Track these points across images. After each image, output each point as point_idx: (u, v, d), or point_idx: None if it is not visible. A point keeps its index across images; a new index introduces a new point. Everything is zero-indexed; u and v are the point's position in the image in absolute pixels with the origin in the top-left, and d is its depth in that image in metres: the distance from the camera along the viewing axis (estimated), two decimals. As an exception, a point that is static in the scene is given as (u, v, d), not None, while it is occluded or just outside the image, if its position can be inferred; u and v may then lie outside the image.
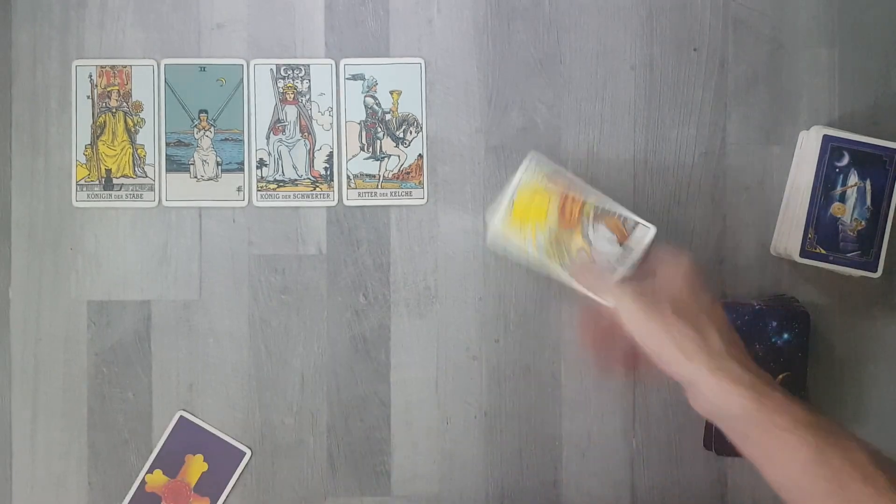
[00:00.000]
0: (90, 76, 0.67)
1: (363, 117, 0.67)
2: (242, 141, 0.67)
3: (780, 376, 0.62)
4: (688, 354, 0.53)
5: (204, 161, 0.67)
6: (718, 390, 0.52)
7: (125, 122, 0.67)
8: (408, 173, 0.67)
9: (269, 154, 0.67)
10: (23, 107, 0.67)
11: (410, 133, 0.67)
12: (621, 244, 0.59)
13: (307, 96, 0.67)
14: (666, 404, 0.66)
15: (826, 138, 0.63)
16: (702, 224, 0.67)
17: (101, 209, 0.67)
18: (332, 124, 0.67)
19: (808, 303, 0.65)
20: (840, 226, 0.63)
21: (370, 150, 0.67)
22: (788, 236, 0.64)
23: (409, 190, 0.67)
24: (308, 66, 0.67)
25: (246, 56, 0.67)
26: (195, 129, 0.67)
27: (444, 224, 0.67)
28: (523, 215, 0.58)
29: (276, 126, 0.67)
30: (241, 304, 0.67)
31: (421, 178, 0.67)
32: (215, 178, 0.67)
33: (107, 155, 0.67)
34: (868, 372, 0.66)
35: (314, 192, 0.67)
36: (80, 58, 0.67)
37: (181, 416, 0.66)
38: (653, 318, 0.54)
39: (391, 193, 0.67)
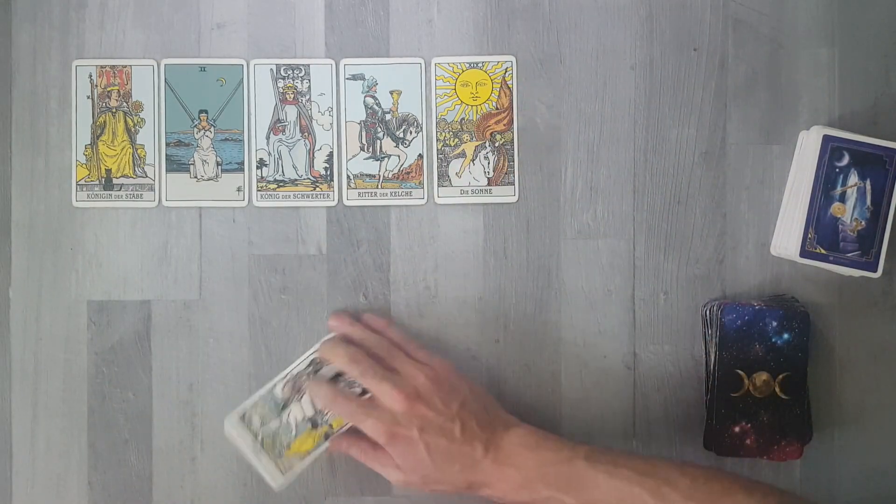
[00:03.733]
0: (90, 76, 0.67)
1: (363, 117, 0.67)
2: (242, 141, 0.67)
3: (780, 376, 0.62)
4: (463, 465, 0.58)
5: (204, 161, 0.67)
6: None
7: (125, 122, 0.67)
8: (408, 173, 0.67)
9: (269, 154, 0.67)
10: (23, 107, 0.67)
11: (410, 133, 0.67)
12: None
13: (307, 96, 0.67)
14: (666, 404, 0.66)
15: (826, 138, 0.63)
16: (702, 224, 0.67)
17: (101, 209, 0.67)
18: (332, 124, 0.67)
19: (808, 303, 0.65)
20: (840, 226, 0.63)
21: (370, 150, 0.67)
22: (788, 236, 0.64)
23: (409, 190, 0.67)
24: (308, 66, 0.67)
25: (246, 56, 0.67)
26: (195, 129, 0.67)
27: (444, 224, 0.67)
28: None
29: (276, 126, 0.67)
30: (241, 304, 0.67)
31: (421, 178, 0.67)
32: (215, 178, 0.67)
33: (107, 155, 0.67)
34: (868, 372, 0.66)
35: (314, 192, 0.67)
36: (80, 58, 0.67)
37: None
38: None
39: (391, 193, 0.67)
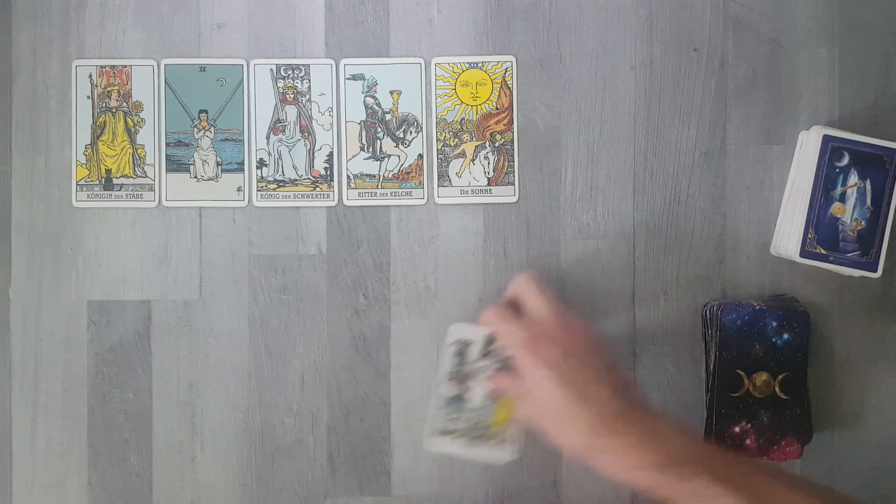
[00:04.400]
0: (90, 76, 0.67)
1: (363, 117, 0.67)
2: (242, 141, 0.67)
3: (780, 376, 0.62)
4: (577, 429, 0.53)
5: (204, 161, 0.67)
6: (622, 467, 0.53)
7: (125, 122, 0.67)
8: (408, 173, 0.67)
9: (269, 154, 0.67)
10: (23, 107, 0.67)
11: (410, 133, 0.67)
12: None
13: (307, 96, 0.67)
14: (666, 404, 0.66)
15: (826, 138, 0.63)
16: (702, 224, 0.67)
17: (101, 209, 0.67)
18: (332, 124, 0.67)
19: (808, 303, 0.65)
20: (840, 226, 0.63)
21: (370, 150, 0.67)
22: (788, 236, 0.64)
23: (409, 190, 0.67)
24: (308, 66, 0.67)
25: (246, 56, 0.67)
26: (195, 129, 0.67)
27: (444, 224, 0.67)
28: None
29: (276, 126, 0.67)
30: (241, 303, 0.67)
31: (421, 178, 0.67)
32: (215, 178, 0.67)
33: (107, 155, 0.67)
34: (868, 372, 0.66)
35: (314, 192, 0.67)
36: (80, 58, 0.67)
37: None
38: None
39: (391, 193, 0.67)
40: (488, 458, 0.61)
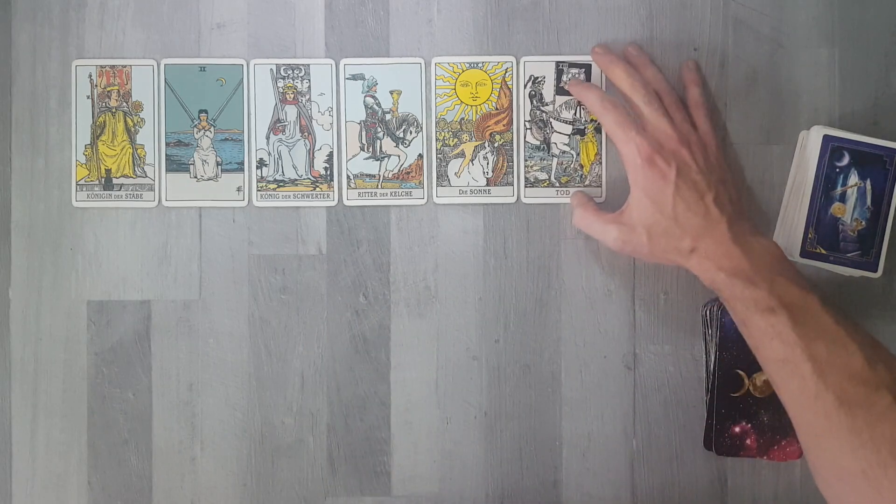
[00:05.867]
0: (90, 76, 0.67)
1: (363, 117, 0.67)
2: (242, 141, 0.67)
3: (780, 376, 0.62)
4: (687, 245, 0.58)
5: (204, 161, 0.67)
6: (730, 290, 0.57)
7: (125, 122, 0.67)
8: (408, 173, 0.67)
9: (269, 154, 0.67)
10: (23, 107, 0.67)
11: (410, 133, 0.67)
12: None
13: (307, 96, 0.67)
14: (666, 404, 0.66)
15: (826, 138, 0.63)
16: (702, 224, 0.66)
17: (101, 209, 0.67)
18: (332, 124, 0.67)
19: (808, 303, 0.65)
20: (840, 226, 0.63)
21: (370, 150, 0.67)
22: (788, 236, 0.64)
23: (409, 190, 0.67)
24: (308, 66, 0.67)
25: (246, 56, 0.67)
26: (195, 129, 0.67)
27: (444, 224, 0.67)
28: None
29: (276, 126, 0.67)
30: (241, 303, 0.67)
31: (421, 178, 0.67)
32: (215, 178, 0.67)
33: (107, 155, 0.67)
34: (868, 372, 0.66)
35: (314, 192, 0.67)
36: (80, 58, 0.67)
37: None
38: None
39: (391, 193, 0.67)
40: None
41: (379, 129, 0.67)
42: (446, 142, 0.67)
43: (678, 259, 0.59)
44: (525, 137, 0.66)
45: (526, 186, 0.66)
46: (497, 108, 0.67)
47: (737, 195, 0.61)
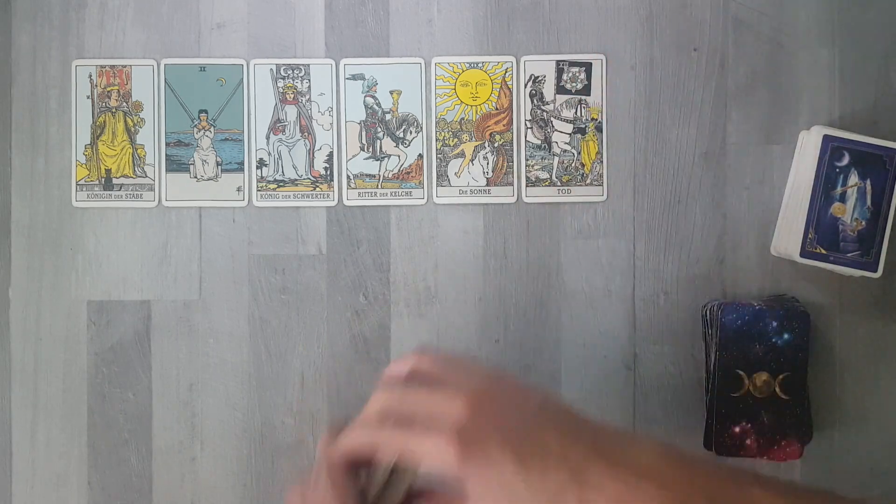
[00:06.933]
0: (90, 76, 0.67)
1: (363, 117, 0.67)
2: (242, 141, 0.67)
3: (781, 376, 0.62)
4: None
5: (204, 161, 0.67)
6: None
7: (125, 122, 0.67)
8: (408, 173, 0.67)
9: (269, 154, 0.67)
10: (23, 107, 0.67)
11: (410, 133, 0.67)
12: None
13: (307, 96, 0.67)
14: (666, 404, 0.66)
15: (826, 138, 0.63)
16: (702, 224, 0.67)
17: (101, 209, 0.67)
18: (332, 124, 0.67)
19: (808, 303, 0.65)
20: (840, 226, 0.63)
21: (370, 150, 0.67)
22: (788, 236, 0.64)
23: (409, 190, 0.67)
24: (308, 66, 0.67)
25: (246, 56, 0.67)
26: (195, 129, 0.67)
27: (444, 224, 0.67)
28: None
29: (276, 126, 0.67)
30: (241, 303, 0.67)
31: (421, 178, 0.67)
32: (215, 178, 0.67)
33: (107, 155, 0.67)
34: (868, 372, 0.66)
35: (314, 192, 0.67)
36: (80, 58, 0.67)
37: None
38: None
39: (391, 193, 0.67)
40: (586, 199, 0.63)
41: (379, 129, 0.67)
42: (446, 142, 0.67)
43: None
44: (526, 137, 0.66)
45: (527, 186, 0.66)
46: (497, 108, 0.67)
47: (559, 401, 0.44)
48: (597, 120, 0.66)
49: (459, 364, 0.46)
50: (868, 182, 0.63)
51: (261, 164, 0.67)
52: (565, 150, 0.66)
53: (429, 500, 0.45)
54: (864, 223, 0.63)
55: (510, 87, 0.67)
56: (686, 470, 0.41)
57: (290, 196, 0.67)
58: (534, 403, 0.43)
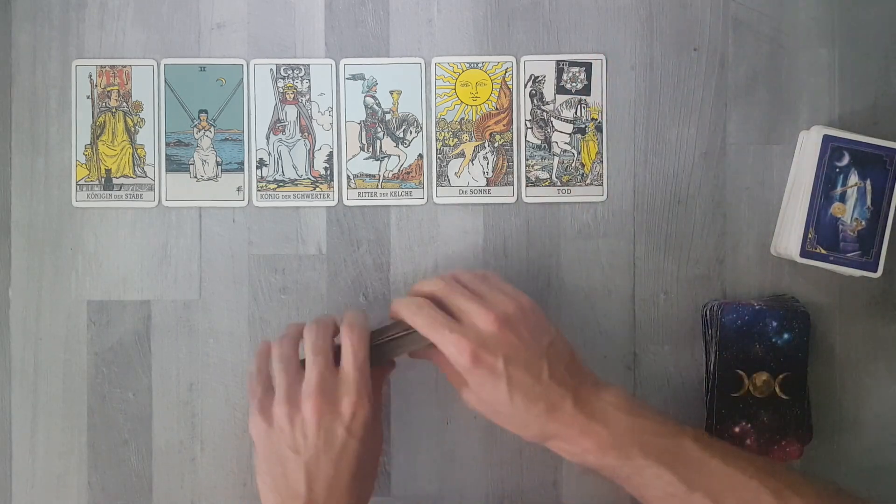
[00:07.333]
0: (90, 76, 0.67)
1: (363, 117, 0.67)
2: (242, 141, 0.67)
3: (781, 376, 0.62)
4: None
5: (204, 161, 0.67)
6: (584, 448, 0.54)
7: (125, 122, 0.67)
8: (408, 173, 0.67)
9: (269, 154, 0.67)
10: (23, 107, 0.67)
11: (410, 133, 0.67)
12: None
13: (307, 96, 0.67)
14: (666, 404, 0.66)
15: (826, 138, 0.63)
16: (702, 224, 0.67)
17: (101, 209, 0.67)
18: (332, 124, 0.67)
19: (808, 303, 0.65)
20: (840, 226, 0.63)
21: (370, 150, 0.67)
22: (788, 236, 0.64)
23: (409, 190, 0.67)
24: (308, 66, 0.67)
25: (246, 56, 0.67)
26: (195, 129, 0.67)
27: (444, 224, 0.67)
28: None
29: (276, 126, 0.67)
30: (241, 303, 0.67)
31: (421, 178, 0.67)
32: (215, 178, 0.67)
33: (107, 155, 0.67)
34: (868, 372, 0.66)
35: (314, 192, 0.67)
36: (80, 58, 0.67)
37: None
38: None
39: (391, 193, 0.67)
40: (586, 199, 0.64)
41: (379, 129, 0.67)
42: (446, 142, 0.67)
43: (543, 444, 0.56)
44: (526, 137, 0.66)
45: (527, 186, 0.66)
46: (497, 108, 0.67)
47: (566, 346, 0.57)
48: (597, 120, 0.66)
49: (499, 285, 0.57)
50: (868, 182, 0.63)
51: (261, 164, 0.67)
52: (565, 150, 0.66)
53: (436, 355, 0.57)
54: (864, 223, 0.63)
55: (510, 87, 0.67)
56: (632, 418, 0.53)
57: (290, 196, 0.67)
58: (546, 340, 0.55)
